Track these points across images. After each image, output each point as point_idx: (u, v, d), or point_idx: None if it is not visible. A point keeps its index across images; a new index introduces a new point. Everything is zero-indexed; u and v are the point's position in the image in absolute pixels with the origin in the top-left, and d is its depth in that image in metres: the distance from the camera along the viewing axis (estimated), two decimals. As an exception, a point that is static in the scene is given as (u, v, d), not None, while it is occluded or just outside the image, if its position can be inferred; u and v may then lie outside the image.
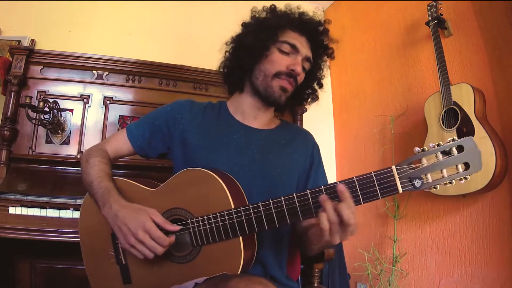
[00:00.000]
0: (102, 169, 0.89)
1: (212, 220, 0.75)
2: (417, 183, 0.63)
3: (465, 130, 1.39)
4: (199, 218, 0.77)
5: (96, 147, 0.97)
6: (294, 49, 0.93)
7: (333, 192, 0.67)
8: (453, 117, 1.44)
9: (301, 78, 0.96)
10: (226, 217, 0.74)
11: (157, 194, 0.84)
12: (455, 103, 1.44)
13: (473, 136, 1.35)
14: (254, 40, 0.92)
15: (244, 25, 1.00)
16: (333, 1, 2.56)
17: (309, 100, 1.07)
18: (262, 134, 0.98)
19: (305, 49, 0.95)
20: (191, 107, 0.99)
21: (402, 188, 0.64)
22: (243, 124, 0.98)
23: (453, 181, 0.63)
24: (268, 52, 0.93)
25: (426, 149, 0.64)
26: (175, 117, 0.96)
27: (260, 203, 0.72)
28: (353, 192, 0.66)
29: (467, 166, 0.63)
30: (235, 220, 0.73)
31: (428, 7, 1.61)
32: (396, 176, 0.64)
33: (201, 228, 0.76)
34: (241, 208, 0.73)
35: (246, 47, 0.94)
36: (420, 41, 1.83)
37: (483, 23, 1.53)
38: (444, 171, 0.63)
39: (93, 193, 0.85)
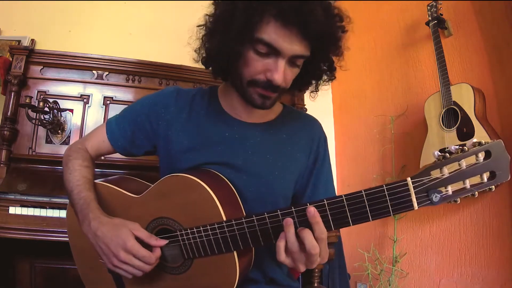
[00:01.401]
0: (83, 175, 0.80)
1: (203, 233, 0.68)
2: (435, 197, 0.53)
3: (465, 130, 1.39)
4: (189, 231, 0.70)
5: (76, 147, 0.88)
6: (272, 49, 0.68)
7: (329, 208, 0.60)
8: (453, 117, 1.44)
9: (290, 79, 0.75)
10: (217, 230, 0.67)
11: (141, 202, 0.77)
12: (455, 103, 1.44)
13: (473, 136, 1.35)
14: (224, 41, 0.70)
15: (215, 5, 0.76)
16: (333, 1, 2.56)
17: (323, 80, 0.84)
18: (258, 129, 0.84)
19: (290, 46, 0.68)
20: (177, 99, 0.86)
21: (418, 204, 0.54)
22: (235, 119, 0.85)
23: (476, 192, 0.54)
24: (242, 55, 0.72)
25: (448, 156, 0.53)
26: (158, 113, 0.85)
27: (254, 216, 0.65)
28: (361, 207, 0.58)
29: (492, 175, 0.53)
30: (227, 234, 0.66)
31: (428, 7, 1.61)
32: (412, 191, 0.54)
33: (191, 241, 0.70)
34: (234, 222, 0.66)
35: (216, 48, 0.74)
36: (420, 41, 1.83)
37: (483, 23, 1.52)
38: (467, 181, 0.53)
39: (73, 203, 0.77)
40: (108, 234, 0.69)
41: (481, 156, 0.53)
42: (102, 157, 1.09)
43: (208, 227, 0.68)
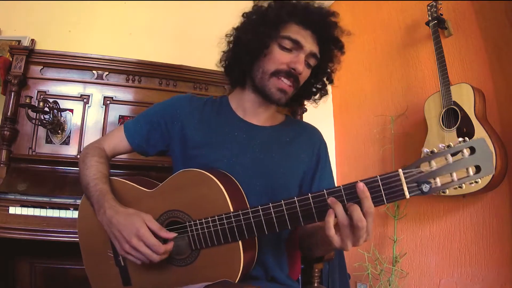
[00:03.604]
0: (99, 170, 0.85)
1: (211, 224, 0.72)
2: (425, 187, 0.59)
3: (465, 130, 1.39)
4: (197, 221, 0.74)
5: (93, 145, 0.94)
6: (297, 45, 0.85)
7: (338, 196, 0.64)
8: (453, 117, 1.44)
9: (305, 75, 0.90)
10: (225, 221, 0.71)
11: (154, 195, 0.82)
12: (455, 103, 1.44)
13: (473, 136, 1.35)
14: (253, 36, 0.85)
15: (244, 15, 0.92)
16: (333, 1, 2.56)
17: (318, 95, 0.99)
18: (264, 131, 0.93)
19: (309, 44, 0.86)
20: (191, 102, 0.95)
21: (409, 193, 0.60)
22: (244, 120, 0.94)
23: (463, 185, 0.59)
24: (268, 49, 0.86)
25: (436, 151, 0.59)
26: (173, 114, 0.93)
27: (259, 207, 0.69)
28: (356, 197, 0.62)
29: (478, 169, 0.59)
30: (234, 224, 0.70)
31: (428, 7, 1.61)
32: (403, 181, 0.60)
33: (199, 231, 0.74)
34: (240, 212, 0.70)
35: (245, 44, 0.87)
36: (420, 41, 1.83)
37: (483, 23, 1.53)
38: (454, 174, 0.59)
39: (89, 196, 0.82)
40: (122, 222, 0.73)
41: (466, 152, 0.58)
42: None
43: (216, 218, 0.72)
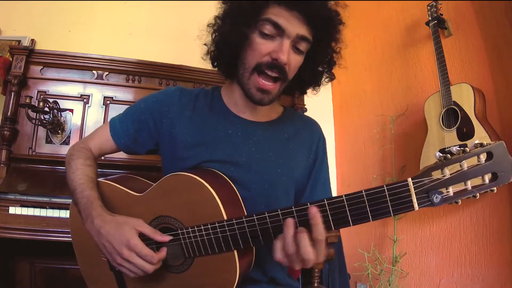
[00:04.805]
0: (85, 174, 0.81)
1: (204, 232, 0.69)
2: (436, 198, 0.54)
3: (465, 130, 1.39)
4: (190, 229, 0.70)
5: (79, 146, 0.89)
6: (278, 29, 0.73)
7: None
8: (453, 117, 1.44)
9: (294, 64, 0.78)
10: (218, 229, 0.67)
11: (144, 200, 0.77)
12: (455, 103, 1.44)
13: (473, 136, 1.35)
14: (231, 27, 0.76)
15: (223, 2, 0.81)
16: (333, 1, 2.56)
17: (323, 80, 0.89)
18: (261, 128, 0.86)
19: (294, 27, 0.73)
20: (180, 97, 0.87)
21: (418, 205, 0.55)
22: (238, 116, 0.86)
23: (478, 194, 0.54)
24: (248, 40, 0.76)
25: (450, 157, 0.53)
26: (161, 111, 0.86)
27: (254, 216, 0.65)
28: (361, 208, 0.58)
29: (494, 176, 0.53)
30: (228, 233, 0.67)
31: (428, 7, 1.61)
32: (413, 191, 0.54)
33: (192, 240, 0.70)
34: (234, 221, 0.66)
35: (223, 37, 0.78)
36: (420, 41, 1.83)
37: (483, 23, 1.52)
38: (468, 182, 0.53)
39: (76, 202, 0.78)
40: (111, 232, 0.69)
41: (483, 157, 0.53)
42: (103, 157, 1.09)
43: (209, 226, 0.68)
